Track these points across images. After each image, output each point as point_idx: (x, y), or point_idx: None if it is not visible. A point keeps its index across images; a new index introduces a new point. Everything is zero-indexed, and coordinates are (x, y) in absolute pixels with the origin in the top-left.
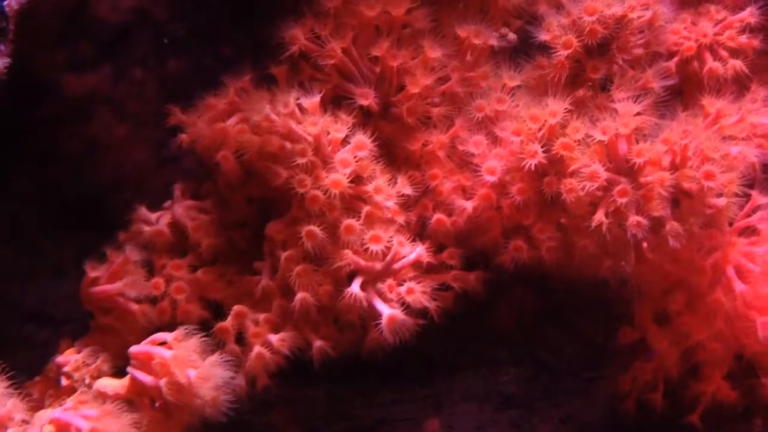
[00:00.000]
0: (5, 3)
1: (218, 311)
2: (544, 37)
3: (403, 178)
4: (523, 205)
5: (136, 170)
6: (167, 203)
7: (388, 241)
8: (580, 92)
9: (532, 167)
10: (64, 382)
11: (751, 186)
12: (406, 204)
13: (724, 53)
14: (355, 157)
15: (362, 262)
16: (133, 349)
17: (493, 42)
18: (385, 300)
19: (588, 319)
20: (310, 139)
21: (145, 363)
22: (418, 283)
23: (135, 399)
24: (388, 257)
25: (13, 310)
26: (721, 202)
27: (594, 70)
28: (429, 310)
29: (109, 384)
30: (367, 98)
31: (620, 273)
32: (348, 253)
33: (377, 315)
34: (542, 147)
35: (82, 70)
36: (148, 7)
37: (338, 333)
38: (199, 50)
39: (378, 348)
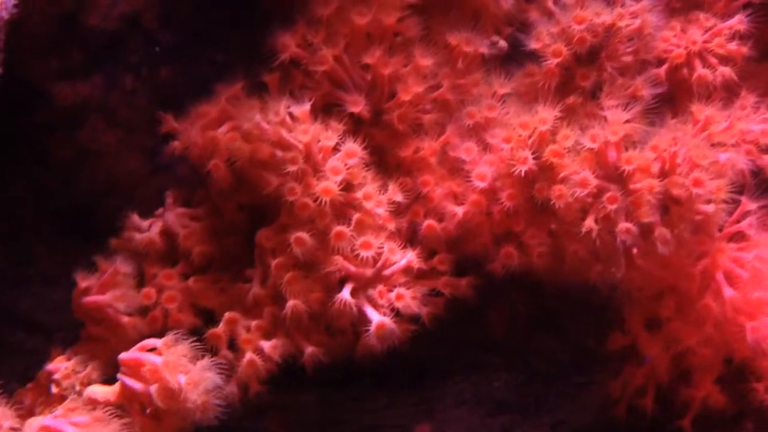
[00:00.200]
0: None
1: (210, 318)
2: (534, 45)
3: (394, 185)
4: (513, 211)
5: (128, 177)
6: (159, 210)
7: (379, 248)
8: (570, 100)
9: (523, 174)
10: (54, 389)
11: (740, 192)
12: (397, 210)
13: (713, 60)
14: (345, 164)
15: (352, 268)
16: (123, 355)
17: (484, 50)
18: (376, 306)
19: (579, 325)
20: (300, 147)
21: (135, 369)
22: (409, 289)
23: (125, 405)
24: (379, 263)
25: (4, 317)
26: (710, 208)
27: (584, 77)
28: (421, 316)
29: (99, 391)
30: (357, 105)
31: (610, 279)
32: (338, 259)
33: (367, 321)
34: (532, 154)
35: (74, 79)
36: (139, 15)
37: (330, 339)
38: (191, 58)
39: (369, 354)
